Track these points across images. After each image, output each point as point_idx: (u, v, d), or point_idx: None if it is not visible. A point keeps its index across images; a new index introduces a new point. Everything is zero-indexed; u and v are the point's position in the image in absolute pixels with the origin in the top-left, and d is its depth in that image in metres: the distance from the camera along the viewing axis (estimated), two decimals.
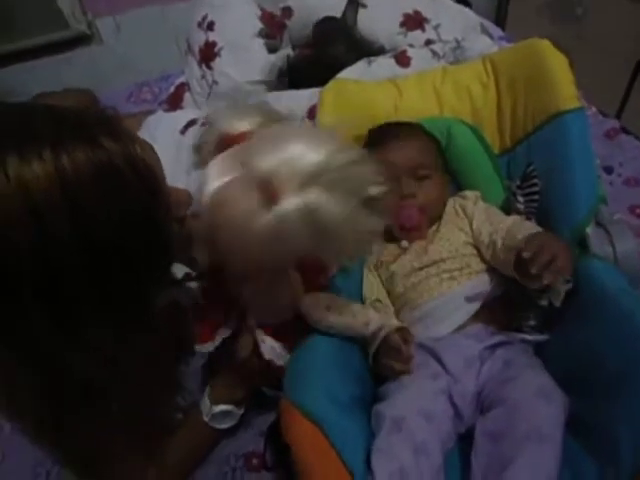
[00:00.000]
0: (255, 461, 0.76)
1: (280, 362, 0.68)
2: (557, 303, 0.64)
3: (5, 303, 0.45)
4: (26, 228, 0.43)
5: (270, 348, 0.68)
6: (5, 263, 0.43)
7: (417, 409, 0.62)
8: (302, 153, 0.50)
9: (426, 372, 0.67)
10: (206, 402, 0.73)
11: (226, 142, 0.58)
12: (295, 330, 0.71)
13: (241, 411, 0.75)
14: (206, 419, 0.73)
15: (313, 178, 0.50)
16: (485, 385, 0.65)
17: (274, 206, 0.49)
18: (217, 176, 0.54)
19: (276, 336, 0.69)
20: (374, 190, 0.54)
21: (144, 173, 0.49)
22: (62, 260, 0.45)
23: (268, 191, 0.50)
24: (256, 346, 0.69)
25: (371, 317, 0.70)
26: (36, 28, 1.60)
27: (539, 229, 0.72)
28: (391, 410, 0.62)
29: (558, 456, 0.55)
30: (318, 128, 0.60)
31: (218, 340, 0.69)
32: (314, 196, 0.49)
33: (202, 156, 0.59)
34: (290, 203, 0.49)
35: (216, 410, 0.72)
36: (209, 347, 0.69)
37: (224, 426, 0.74)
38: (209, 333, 0.69)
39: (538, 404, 0.58)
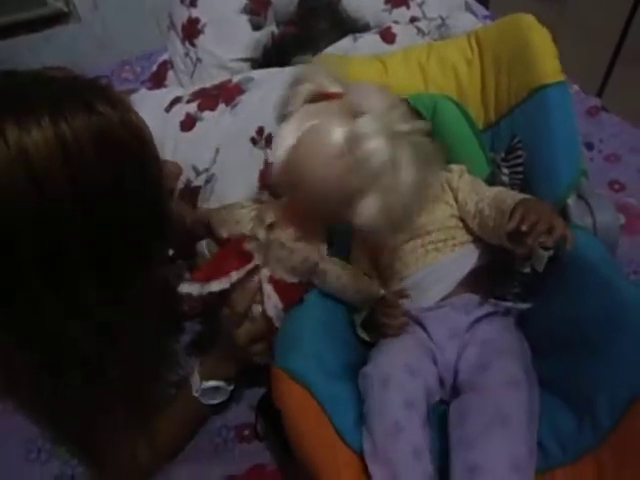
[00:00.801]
0: (246, 432, 0.77)
1: (277, 324, 0.69)
2: (540, 268, 0.66)
3: (5, 270, 0.45)
4: (27, 195, 0.43)
5: (274, 306, 0.69)
6: (6, 231, 0.43)
7: (401, 365, 0.64)
8: (401, 114, 0.61)
9: (411, 338, 0.69)
10: (196, 378, 0.73)
11: (318, 98, 0.64)
12: (297, 299, 0.72)
13: (231, 387, 0.76)
14: (196, 395, 0.73)
15: (403, 133, 0.59)
16: (463, 369, 0.67)
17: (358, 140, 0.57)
18: (308, 117, 0.62)
19: (281, 296, 0.70)
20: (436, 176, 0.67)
21: (141, 139, 0.49)
22: (62, 225, 0.45)
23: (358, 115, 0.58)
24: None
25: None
26: (12, 5, 1.56)
27: (526, 196, 0.73)
28: (377, 370, 0.64)
29: (524, 440, 0.55)
30: None
31: (235, 277, 0.68)
32: (398, 146, 0.58)
33: (293, 106, 0.65)
34: (376, 127, 0.58)
35: (206, 386, 0.73)
36: (224, 284, 0.68)
37: (214, 402, 0.75)
38: (223, 273, 0.69)
39: (505, 390, 0.59)
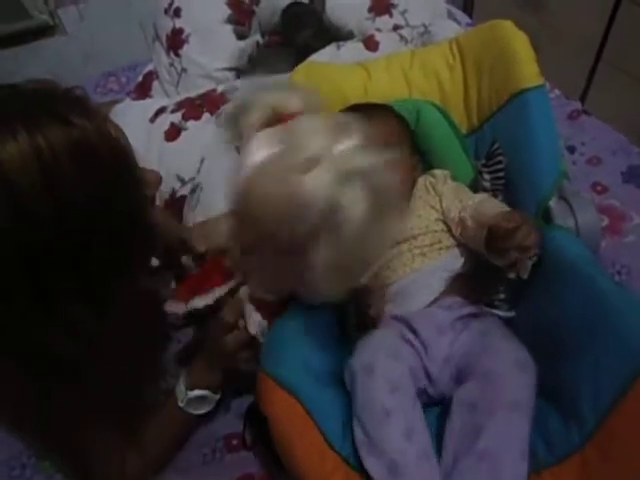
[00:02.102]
0: (235, 442, 0.77)
1: (262, 339, 0.68)
2: (524, 275, 0.66)
3: None
4: (4, 208, 0.43)
5: (257, 324, 0.68)
6: None
7: (384, 352, 0.64)
8: (355, 148, 0.51)
9: (395, 331, 0.70)
10: (181, 387, 0.72)
11: (275, 119, 0.56)
12: (280, 312, 0.71)
13: (217, 396, 0.75)
14: (181, 405, 0.72)
15: (357, 175, 0.50)
16: (462, 356, 0.67)
17: (312, 172, 0.50)
18: (263, 148, 0.53)
19: (263, 313, 0.69)
20: (396, 213, 0.56)
21: (118, 149, 0.49)
22: (40, 237, 0.45)
23: (311, 163, 0.50)
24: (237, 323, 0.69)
25: None
26: None
27: (506, 207, 0.74)
28: (360, 359, 0.64)
29: (530, 423, 0.57)
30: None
31: (218, 293, 0.68)
32: (350, 187, 0.50)
33: (245, 128, 0.57)
34: (327, 177, 0.49)
35: (191, 395, 0.72)
36: (208, 300, 0.68)
37: (200, 412, 0.74)
38: (207, 289, 0.68)
39: (512, 374, 0.60)
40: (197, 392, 0.72)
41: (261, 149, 0.53)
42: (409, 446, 0.57)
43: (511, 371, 0.60)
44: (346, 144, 0.51)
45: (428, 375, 0.67)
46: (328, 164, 0.49)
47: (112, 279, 0.52)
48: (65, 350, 0.51)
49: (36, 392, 0.56)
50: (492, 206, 0.73)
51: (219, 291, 0.68)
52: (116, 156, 0.49)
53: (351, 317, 0.75)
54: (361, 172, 0.50)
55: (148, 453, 0.71)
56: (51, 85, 0.51)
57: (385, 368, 0.62)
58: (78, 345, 0.51)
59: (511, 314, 0.72)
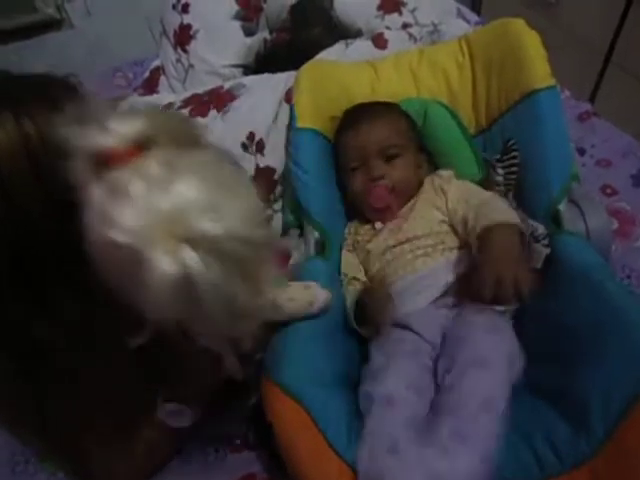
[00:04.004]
0: (238, 442, 0.76)
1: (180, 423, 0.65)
2: (538, 265, 0.65)
3: None
4: None
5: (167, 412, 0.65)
6: None
7: (405, 385, 0.62)
8: (197, 202, 0.37)
9: (406, 347, 0.68)
10: (160, 398, 0.67)
11: (101, 163, 0.38)
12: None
13: (193, 411, 0.68)
14: (161, 416, 0.67)
15: (200, 241, 0.37)
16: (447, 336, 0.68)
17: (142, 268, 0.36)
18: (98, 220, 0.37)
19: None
20: (262, 275, 0.42)
21: None
22: (29, 225, 0.44)
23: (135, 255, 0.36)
24: None
25: (318, 295, 0.69)
26: (2, 12, 1.55)
27: (509, 211, 0.72)
28: (379, 389, 0.62)
29: (500, 383, 0.57)
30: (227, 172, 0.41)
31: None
32: (193, 258, 0.37)
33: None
34: (162, 261, 0.36)
35: (167, 408, 0.67)
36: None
37: (181, 425, 0.68)
38: None
39: (485, 336, 0.61)
40: (171, 405, 0.67)
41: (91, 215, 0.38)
42: None
43: (484, 334, 0.62)
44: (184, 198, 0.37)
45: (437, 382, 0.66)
46: (157, 244, 0.36)
47: None
48: (52, 345, 0.50)
49: (29, 391, 0.55)
50: (494, 209, 0.72)
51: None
52: None
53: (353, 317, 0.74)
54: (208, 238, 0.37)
55: (139, 457, 0.67)
56: (44, 73, 0.49)
57: (407, 401, 0.61)
58: (65, 340, 0.51)
59: (512, 307, 0.70)
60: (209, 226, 0.36)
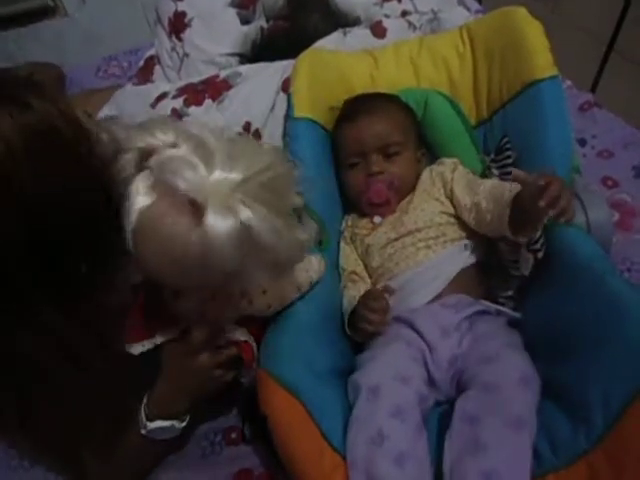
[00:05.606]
0: (234, 435, 0.76)
1: (254, 344, 0.64)
2: (526, 271, 0.64)
3: None
4: None
5: (241, 332, 0.64)
6: None
7: (392, 374, 0.62)
8: (224, 168, 0.46)
9: (399, 341, 0.67)
10: (142, 416, 0.65)
11: (145, 158, 0.49)
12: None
13: (183, 424, 0.67)
14: (143, 432, 0.65)
15: (238, 192, 0.46)
16: (464, 361, 0.65)
17: (202, 224, 0.45)
18: (142, 196, 0.47)
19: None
20: (297, 200, 0.52)
21: (80, 132, 0.48)
22: (8, 231, 0.44)
23: (194, 208, 0.45)
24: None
25: (301, 282, 0.67)
26: None
27: (519, 187, 0.71)
28: (366, 378, 0.62)
29: (533, 442, 0.55)
30: (237, 140, 0.53)
31: (158, 340, 0.61)
32: (241, 209, 0.45)
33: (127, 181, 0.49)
34: (216, 219, 0.44)
35: (152, 427, 0.64)
36: (147, 346, 0.61)
37: (165, 437, 0.66)
38: (146, 331, 0.61)
39: (518, 391, 0.58)
40: (158, 423, 0.65)
41: (141, 194, 0.47)
42: (399, 472, 0.55)
43: (517, 387, 0.58)
44: (218, 166, 0.46)
45: (432, 382, 0.65)
46: (213, 198, 0.45)
47: (86, 274, 0.51)
48: (34, 352, 0.50)
49: (14, 395, 0.54)
50: (507, 187, 0.70)
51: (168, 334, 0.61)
52: (80, 139, 0.48)
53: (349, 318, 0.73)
54: (244, 187, 0.46)
55: (130, 457, 0.66)
56: (53, 73, 0.50)
57: (392, 391, 0.60)
58: (47, 347, 0.50)
59: (517, 315, 0.70)
60: (237, 182, 0.45)
